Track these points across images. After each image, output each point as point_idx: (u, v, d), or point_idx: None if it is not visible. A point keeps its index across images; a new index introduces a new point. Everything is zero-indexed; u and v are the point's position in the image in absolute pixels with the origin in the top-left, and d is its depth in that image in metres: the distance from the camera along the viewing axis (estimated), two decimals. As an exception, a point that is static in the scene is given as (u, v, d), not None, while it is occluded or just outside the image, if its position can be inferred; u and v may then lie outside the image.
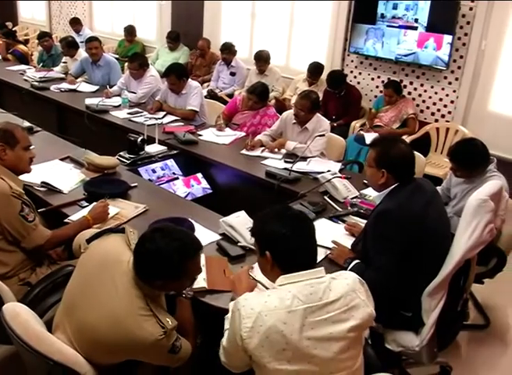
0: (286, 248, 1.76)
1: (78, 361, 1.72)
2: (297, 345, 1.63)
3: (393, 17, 5.62)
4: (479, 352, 3.20)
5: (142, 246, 1.86)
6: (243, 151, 4.08)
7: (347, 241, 2.68)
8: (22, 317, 1.80)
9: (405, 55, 5.64)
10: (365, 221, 2.78)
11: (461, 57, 5.34)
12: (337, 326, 1.67)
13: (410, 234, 2.29)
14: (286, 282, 1.72)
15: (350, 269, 2.41)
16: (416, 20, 5.44)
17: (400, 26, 5.59)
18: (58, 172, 3.36)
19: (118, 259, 1.94)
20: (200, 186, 3.81)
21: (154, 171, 3.76)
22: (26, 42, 8.67)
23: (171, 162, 3.92)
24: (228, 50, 6.76)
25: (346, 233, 2.84)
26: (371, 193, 3.25)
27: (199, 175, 3.88)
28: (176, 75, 4.84)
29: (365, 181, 3.50)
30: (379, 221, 2.36)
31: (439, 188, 3.52)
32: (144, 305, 1.84)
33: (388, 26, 5.68)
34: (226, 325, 1.92)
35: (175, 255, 1.83)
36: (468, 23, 5.20)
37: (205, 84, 6.93)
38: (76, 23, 8.64)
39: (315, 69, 6.09)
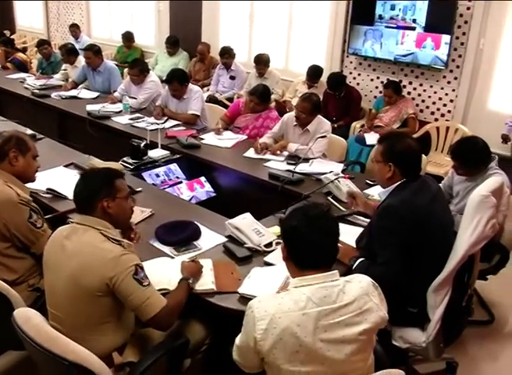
0: (299, 243, 1.79)
1: (92, 360, 1.74)
2: (311, 347, 1.64)
3: (391, 18, 5.65)
4: (484, 348, 3.23)
5: (75, 186, 2.17)
6: (247, 154, 4.10)
7: (352, 241, 2.70)
8: (33, 321, 1.82)
9: (404, 56, 5.67)
10: (368, 220, 2.83)
11: (460, 56, 5.37)
12: (350, 329, 1.68)
13: (414, 229, 2.32)
14: (300, 284, 1.73)
15: (355, 267, 2.45)
16: (414, 21, 5.48)
17: (398, 27, 5.63)
18: (62, 178, 3.38)
19: (64, 229, 2.13)
20: (203, 189, 3.84)
21: (157, 175, 3.79)
22: (24, 50, 8.70)
23: (174, 167, 3.95)
24: (228, 54, 6.79)
25: (350, 232, 2.86)
26: (373, 193, 3.29)
27: (202, 178, 3.91)
28: (179, 81, 4.88)
29: (368, 181, 3.54)
30: (383, 216, 2.41)
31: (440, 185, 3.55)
32: (100, 236, 2.04)
33: (386, 27, 5.71)
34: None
35: (100, 175, 2.20)
36: (466, 22, 5.23)
37: (205, 89, 6.96)
38: (75, 28, 8.69)
39: (314, 72, 6.12)
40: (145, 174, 3.74)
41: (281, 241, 2.61)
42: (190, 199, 3.66)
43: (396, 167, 2.47)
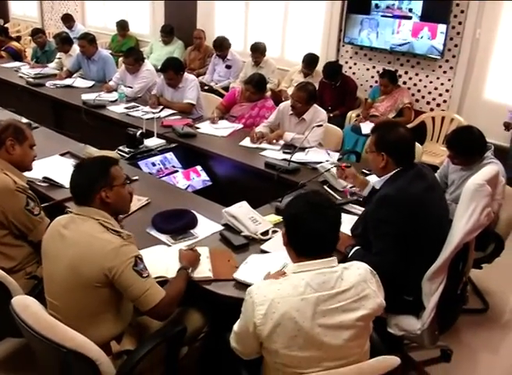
0: (300, 230, 1.79)
1: (91, 347, 1.75)
2: (309, 332, 1.66)
3: (387, 7, 5.64)
4: (478, 336, 3.26)
5: (71, 178, 2.16)
6: (243, 143, 4.10)
7: (347, 229, 2.71)
8: (32, 309, 1.83)
9: (400, 45, 5.66)
10: (363, 209, 2.84)
11: (456, 46, 5.37)
12: (347, 314, 1.70)
13: (410, 217, 2.33)
14: (299, 270, 1.75)
15: (351, 256, 2.46)
16: (410, 10, 5.46)
17: (394, 16, 5.61)
18: (58, 167, 3.38)
19: (62, 219, 2.13)
20: (199, 178, 3.85)
21: (153, 164, 3.79)
22: (18, 39, 8.64)
23: (170, 156, 3.95)
24: (220, 47, 6.74)
25: (346, 220, 2.86)
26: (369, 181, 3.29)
27: (198, 167, 3.92)
28: (174, 70, 4.86)
29: (364, 170, 3.55)
30: (379, 206, 2.42)
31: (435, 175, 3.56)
32: (99, 227, 2.04)
33: (382, 16, 5.70)
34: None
35: (95, 165, 2.19)
36: (462, 11, 5.22)
37: (200, 77, 6.92)
38: (68, 20, 8.61)
39: (310, 60, 6.10)
40: (141, 163, 3.74)
41: (277, 229, 2.66)
42: (187, 188, 3.66)
43: (388, 156, 2.49)
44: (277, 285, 1.72)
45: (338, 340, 1.69)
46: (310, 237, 1.78)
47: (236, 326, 1.85)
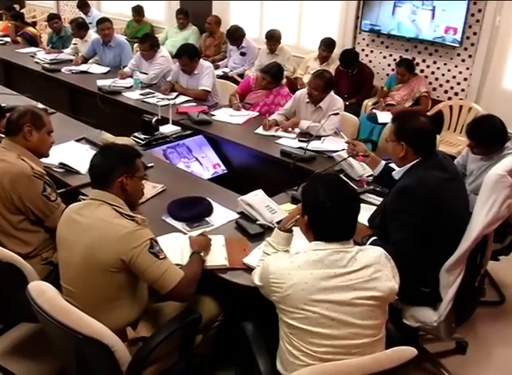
0: (322, 219, 1.84)
1: (106, 333, 1.75)
2: (316, 305, 1.72)
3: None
4: (494, 328, 3.22)
5: (94, 158, 2.18)
6: (258, 131, 4.07)
7: (364, 219, 2.69)
8: (48, 294, 1.84)
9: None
10: (381, 199, 2.81)
11: (475, 34, 5.27)
12: (357, 292, 1.75)
13: (428, 208, 2.31)
14: (315, 248, 1.81)
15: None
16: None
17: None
18: (74, 153, 3.40)
19: (76, 205, 2.14)
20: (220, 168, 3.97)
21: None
22: (34, 24, 8.64)
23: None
24: (232, 37, 6.68)
25: (362, 210, 2.84)
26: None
27: (219, 161, 4.03)
28: (188, 56, 4.83)
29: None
30: (398, 197, 2.39)
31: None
32: (113, 213, 2.04)
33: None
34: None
35: (122, 151, 2.21)
36: (482, -2, 5.13)
37: (219, 70, 6.82)
38: (84, 5, 8.58)
39: (329, 43, 6.01)
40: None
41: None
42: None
43: (408, 146, 2.46)
44: (292, 258, 1.84)
45: (347, 317, 1.73)
46: (332, 225, 1.82)
47: (258, 273, 1.96)
